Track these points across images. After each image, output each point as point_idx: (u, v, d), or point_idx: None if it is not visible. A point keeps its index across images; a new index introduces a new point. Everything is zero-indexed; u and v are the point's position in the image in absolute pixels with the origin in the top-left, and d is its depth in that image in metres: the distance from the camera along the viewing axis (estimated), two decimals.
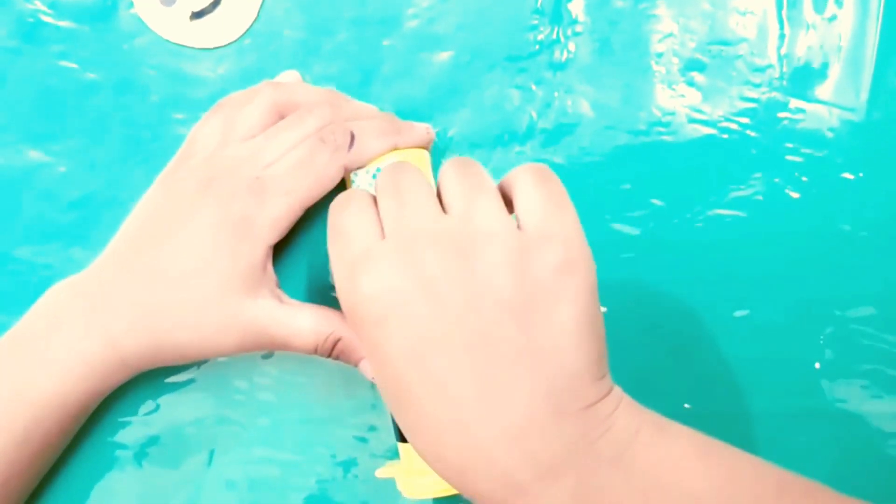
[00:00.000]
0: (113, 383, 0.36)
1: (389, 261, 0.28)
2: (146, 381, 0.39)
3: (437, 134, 0.40)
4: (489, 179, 0.30)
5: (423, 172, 0.32)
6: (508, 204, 0.30)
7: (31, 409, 0.34)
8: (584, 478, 0.26)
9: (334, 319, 0.35)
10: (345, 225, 0.30)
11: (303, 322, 0.35)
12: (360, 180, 0.36)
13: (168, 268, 0.34)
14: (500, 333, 0.27)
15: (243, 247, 0.34)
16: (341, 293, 0.30)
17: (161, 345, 0.35)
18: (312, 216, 0.39)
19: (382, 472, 0.37)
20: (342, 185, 0.37)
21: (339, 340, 0.35)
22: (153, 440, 0.39)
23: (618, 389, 0.29)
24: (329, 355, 0.35)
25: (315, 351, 0.35)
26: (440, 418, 0.27)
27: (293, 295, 0.36)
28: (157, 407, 0.40)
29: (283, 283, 0.36)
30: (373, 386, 0.39)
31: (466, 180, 0.30)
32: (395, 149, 0.37)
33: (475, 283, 0.27)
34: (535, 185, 0.29)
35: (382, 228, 0.30)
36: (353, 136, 0.36)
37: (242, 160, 0.35)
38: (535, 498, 0.26)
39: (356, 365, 0.36)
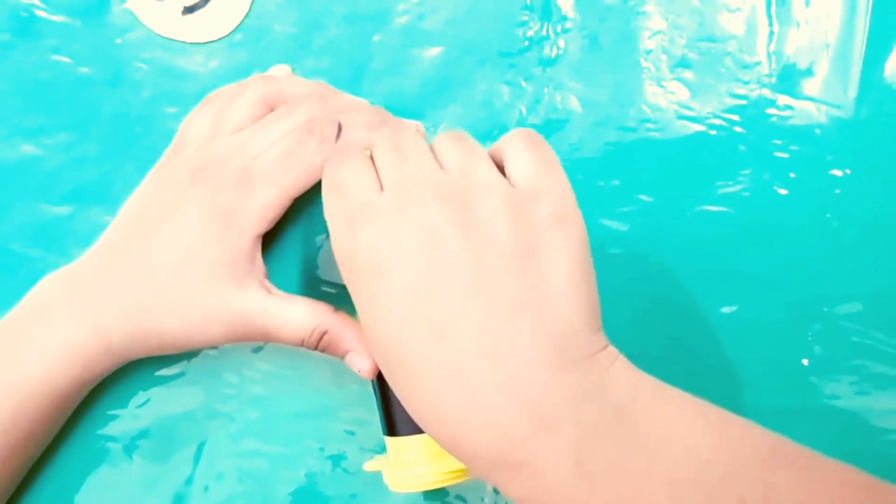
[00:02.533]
0: (99, 371, 0.36)
1: (390, 211, 0.28)
2: (136, 374, 0.39)
3: (427, 129, 0.40)
4: (481, 147, 0.31)
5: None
6: (500, 169, 0.31)
7: (17, 395, 0.34)
8: (584, 431, 0.26)
9: (322, 312, 0.35)
10: (342, 177, 0.31)
11: (290, 314, 0.35)
12: None
13: (155, 257, 0.35)
14: (502, 283, 0.27)
15: (230, 236, 0.34)
16: (338, 245, 0.30)
17: (147, 333, 0.35)
18: (301, 209, 0.39)
19: (370, 466, 0.37)
20: None
21: (325, 333, 0.35)
22: (143, 433, 0.40)
23: (613, 347, 0.29)
24: (315, 348, 0.36)
25: (301, 343, 0.35)
26: (439, 371, 0.27)
27: (281, 287, 0.36)
28: (148, 400, 0.40)
29: (271, 276, 0.36)
30: (362, 381, 0.39)
31: (461, 145, 0.31)
32: None
33: (476, 233, 0.28)
34: (525, 147, 0.30)
35: (380, 182, 0.30)
36: (340, 128, 0.36)
37: (231, 152, 0.35)
38: (533, 451, 0.26)
39: (342, 357, 0.36)
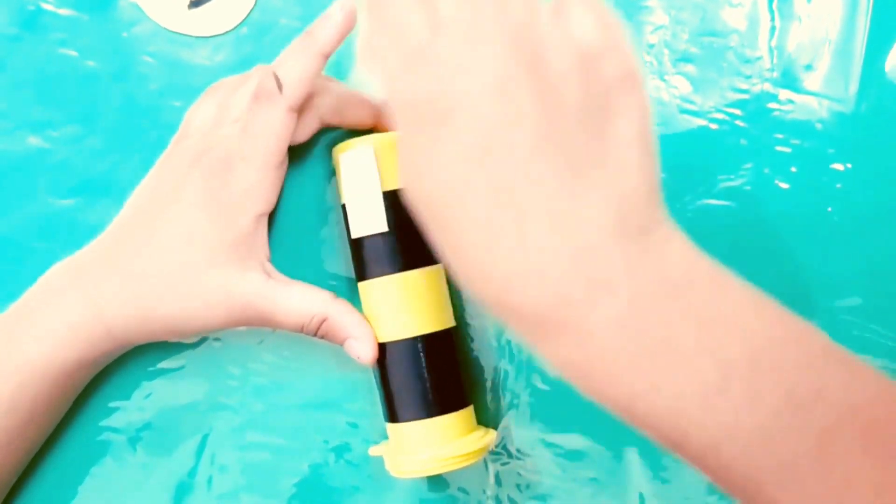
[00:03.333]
0: (100, 353, 0.36)
1: (457, 54, 0.26)
2: (139, 365, 0.40)
3: None
4: None
5: None
6: None
7: (18, 375, 0.35)
8: (637, 299, 0.25)
9: (321, 299, 0.35)
10: (392, 14, 0.28)
11: (290, 300, 0.35)
12: (349, 162, 0.36)
13: (156, 241, 0.35)
14: (571, 142, 0.26)
15: (227, 219, 0.35)
16: (395, 91, 0.27)
17: (147, 315, 0.35)
18: (302, 191, 0.39)
19: (374, 451, 0.37)
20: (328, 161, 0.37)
21: (325, 320, 0.35)
22: (146, 425, 0.40)
23: (672, 222, 0.27)
24: (315, 334, 0.36)
25: (301, 329, 0.36)
26: (495, 227, 0.26)
27: (283, 271, 0.36)
28: (151, 392, 0.40)
29: (273, 260, 0.37)
30: (367, 372, 0.39)
31: None
32: (322, 57, 0.35)
33: (548, 88, 0.26)
34: (586, 4, 0.28)
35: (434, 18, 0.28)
36: (276, 77, 0.35)
37: (228, 139, 0.36)
38: (583, 313, 0.25)
39: (342, 344, 0.36)
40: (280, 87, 0.35)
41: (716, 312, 0.25)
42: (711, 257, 0.38)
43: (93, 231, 0.38)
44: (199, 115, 0.37)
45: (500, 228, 0.26)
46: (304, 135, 0.37)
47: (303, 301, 0.35)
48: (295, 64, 0.36)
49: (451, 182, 0.26)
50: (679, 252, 0.26)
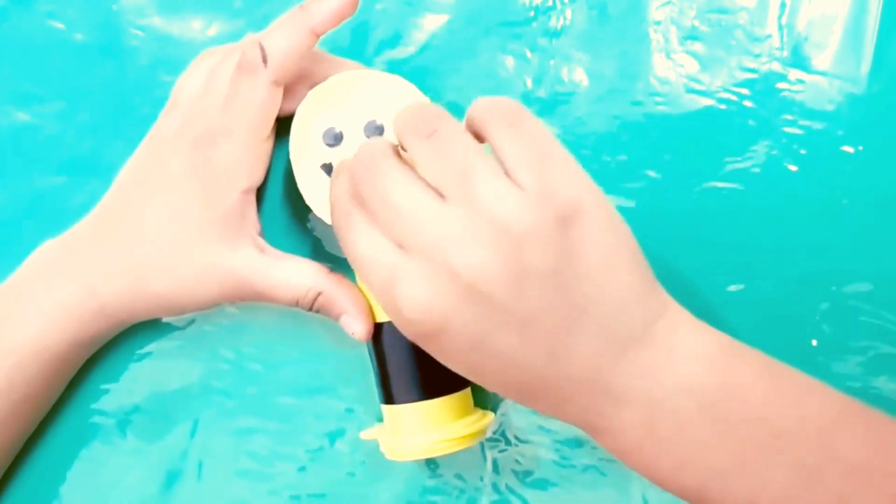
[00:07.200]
0: (94, 332, 0.36)
1: (422, 280, 0.28)
2: (130, 347, 0.39)
3: (431, 99, 0.38)
4: (465, 139, 0.29)
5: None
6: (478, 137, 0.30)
7: (13, 356, 0.34)
8: (653, 406, 0.29)
9: (315, 273, 0.35)
10: (357, 253, 0.30)
11: (284, 274, 0.34)
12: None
13: (145, 217, 0.34)
14: (547, 303, 0.28)
15: (214, 195, 0.34)
16: (389, 314, 0.30)
17: (140, 292, 0.35)
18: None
19: (366, 434, 0.37)
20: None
21: (319, 294, 0.34)
22: (137, 408, 0.39)
23: (675, 308, 0.30)
24: (310, 309, 0.35)
25: (296, 304, 0.35)
26: (513, 385, 0.30)
27: (276, 244, 0.36)
28: (142, 375, 0.39)
29: (265, 233, 0.36)
30: (363, 357, 0.38)
31: (447, 159, 0.29)
32: (314, 34, 0.34)
33: (511, 270, 0.28)
34: (513, 139, 0.29)
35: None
36: (262, 48, 0.34)
37: (214, 113, 0.34)
38: (611, 422, 0.30)
39: (337, 319, 0.35)
40: (265, 59, 0.34)
41: (731, 406, 0.28)
42: (716, 244, 0.38)
43: (81, 209, 0.37)
44: (188, 85, 0.36)
45: (516, 386, 0.30)
46: (295, 106, 0.36)
47: (297, 275, 0.34)
48: (283, 37, 0.34)
49: (464, 364, 0.30)
50: (684, 346, 0.29)
